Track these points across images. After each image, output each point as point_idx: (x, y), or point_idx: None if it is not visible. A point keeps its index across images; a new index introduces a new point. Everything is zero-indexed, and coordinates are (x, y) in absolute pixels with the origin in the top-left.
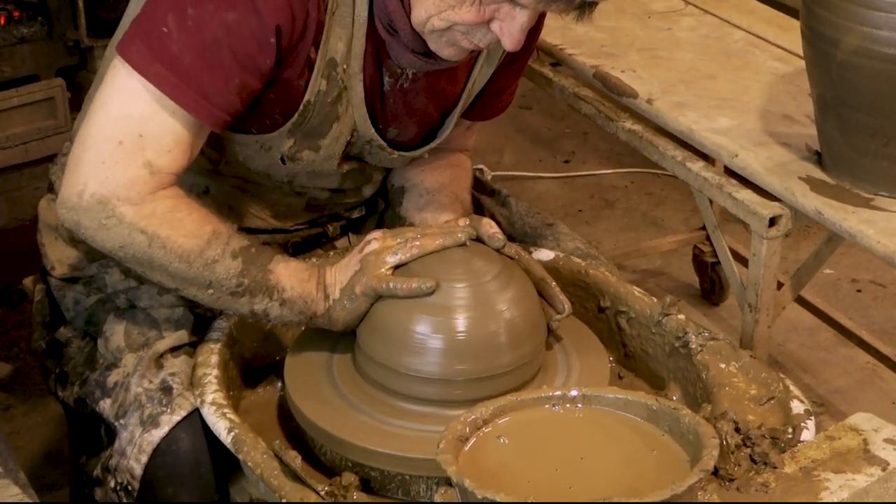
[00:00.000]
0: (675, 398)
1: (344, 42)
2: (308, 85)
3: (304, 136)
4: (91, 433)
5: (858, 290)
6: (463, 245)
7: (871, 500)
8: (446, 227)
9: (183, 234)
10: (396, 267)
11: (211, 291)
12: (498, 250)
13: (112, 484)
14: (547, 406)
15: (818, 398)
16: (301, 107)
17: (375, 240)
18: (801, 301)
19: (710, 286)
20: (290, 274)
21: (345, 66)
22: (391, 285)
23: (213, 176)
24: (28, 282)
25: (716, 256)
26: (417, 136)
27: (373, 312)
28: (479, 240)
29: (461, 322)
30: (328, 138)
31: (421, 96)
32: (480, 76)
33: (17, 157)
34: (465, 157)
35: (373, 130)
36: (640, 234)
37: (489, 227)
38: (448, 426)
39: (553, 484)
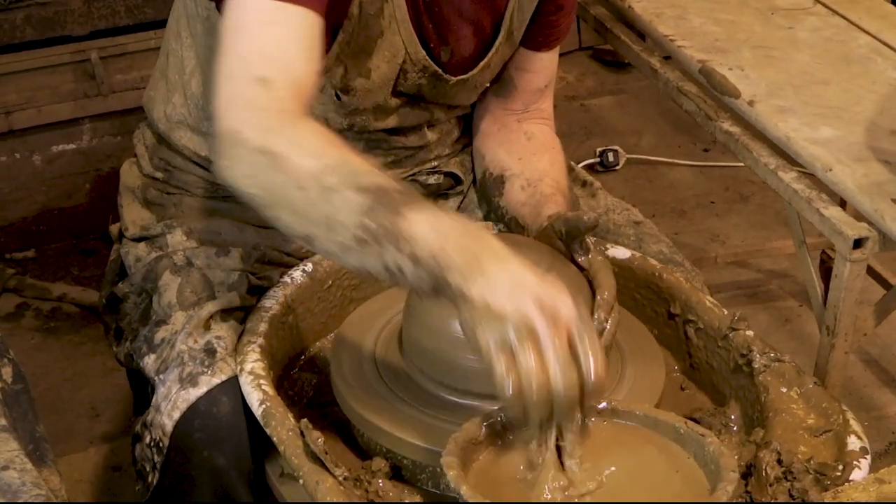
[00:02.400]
0: (733, 417)
1: None
2: None
3: (353, 58)
4: (142, 390)
5: None
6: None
7: None
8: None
9: (302, 154)
10: None
11: (335, 235)
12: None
13: (147, 440)
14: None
15: None
16: (345, 21)
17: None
18: None
19: None
20: (429, 222)
21: None
22: None
23: None
24: (114, 228)
25: None
26: (475, 52)
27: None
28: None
29: None
30: (375, 57)
31: (468, 2)
32: None
33: None
34: (553, 134)
35: (423, 52)
36: (770, 233)
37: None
38: (462, 427)
39: (569, 498)
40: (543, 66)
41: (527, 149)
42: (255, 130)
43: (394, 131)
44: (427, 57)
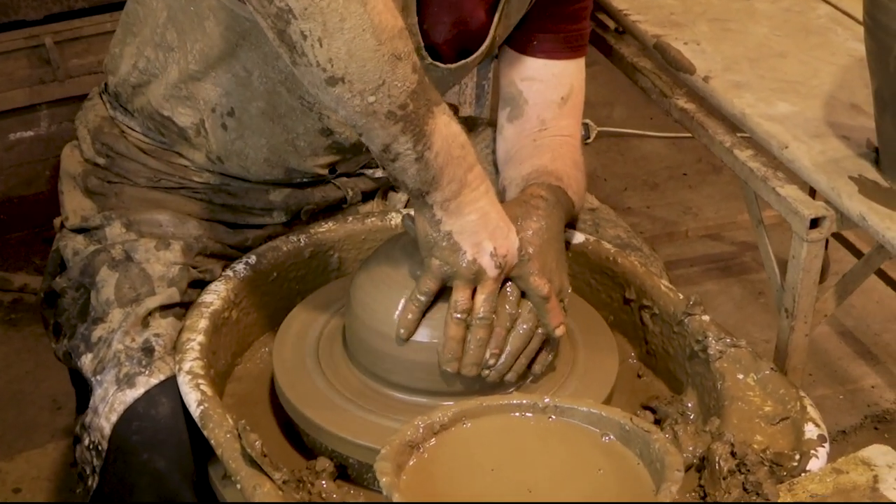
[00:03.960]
0: (690, 405)
1: None
2: None
3: None
4: (84, 387)
5: None
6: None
7: None
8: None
9: (382, 2)
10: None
11: (373, 99)
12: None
13: (86, 442)
14: (514, 414)
15: None
16: None
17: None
18: None
19: None
20: (447, 136)
21: None
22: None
23: (242, 92)
24: (57, 221)
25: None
26: (454, 38)
27: (364, 296)
28: None
29: None
30: None
31: None
32: None
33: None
34: (574, 150)
35: (415, 19)
36: (744, 205)
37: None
38: (399, 429)
39: (507, 499)
40: (553, 76)
41: (530, 154)
42: None
43: None
44: (416, 26)
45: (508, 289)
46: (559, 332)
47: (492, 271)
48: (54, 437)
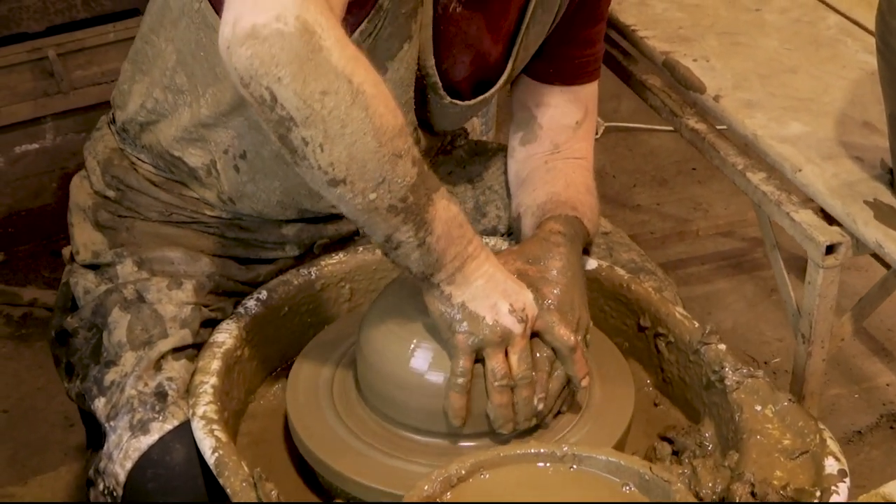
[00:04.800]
0: (707, 435)
1: None
2: None
3: (371, 54)
4: (94, 425)
5: None
6: None
7: None
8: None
9: (384, 104)
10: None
11: (374, 196)
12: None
13: (101, 487)
14: (533, 463)
15: None
16: (373, 10)
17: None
18: None
19: None
20: (446, 220)
21: None
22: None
23: (255, 136)
24: (66, 251)
25: None
26: (472, 74)
27: (375, 342)
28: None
29: None
30: (396, 61)
31: (473, 23)
32: (539, 11)
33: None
34: (586, 172)
35: (432, 61)
36: None
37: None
38: (416, 485)
39: None
40: (567, 101)
41: (543, 179)
42: (339, 48)
43: None
44: (433, 66)
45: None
46: (584, 383)
47: (517, 328)
48: (67, 456)
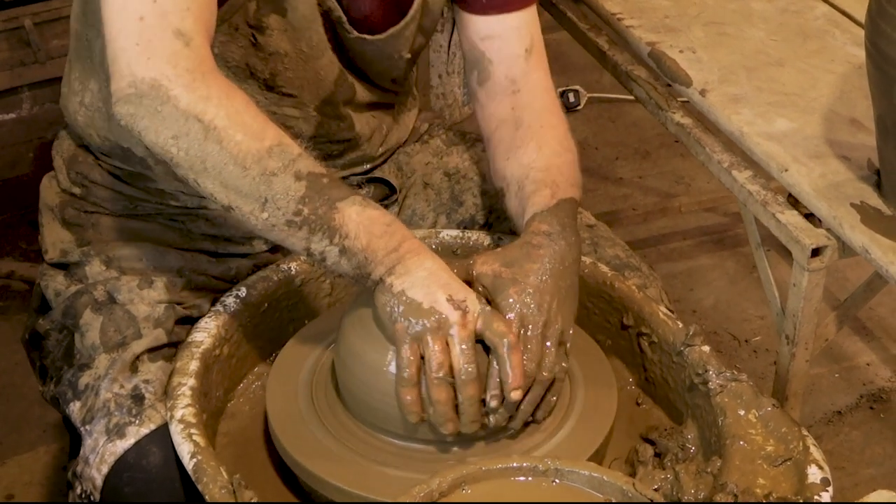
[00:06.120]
0: (690, 437)
1: None
2: None
3: None
4: (74, 430)
5: None
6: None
7: None
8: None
9: (242, 132)
10: None
11: (266, 215)
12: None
13: (78, 490)
14: (515, 478)
15: None
16: None
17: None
18: None
19: None
20: (361, 222)
21: None
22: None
23: None
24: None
25: None
26: (383, 8)
27: (350, 340)
28: None
29: None
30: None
31: None
32: None
33: None
34: (550, 104)
35: None
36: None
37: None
38: (396, 501)
39: None
40: (509, 29)
41: (514, 143)
42: (187, 93)
43: (325, 110)
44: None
45: None
46: (514, 396)
47: (453, 315)
48: (45, 434)
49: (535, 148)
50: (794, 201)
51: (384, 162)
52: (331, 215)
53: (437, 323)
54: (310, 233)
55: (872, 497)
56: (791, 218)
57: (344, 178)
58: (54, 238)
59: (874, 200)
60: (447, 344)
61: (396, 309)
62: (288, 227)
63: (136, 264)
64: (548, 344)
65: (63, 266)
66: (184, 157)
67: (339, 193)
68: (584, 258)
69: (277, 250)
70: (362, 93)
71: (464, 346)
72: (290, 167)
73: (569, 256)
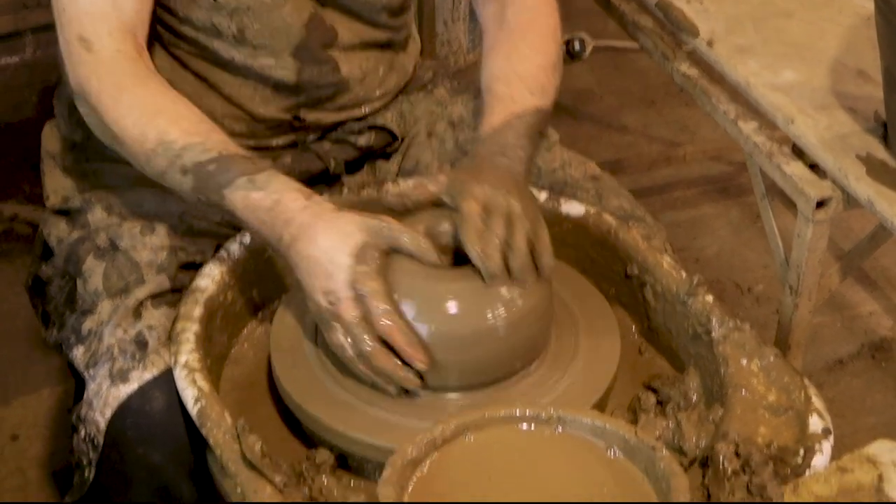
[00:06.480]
0: (692, 386)
1: None
2: None
3: None
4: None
5: None
6: None
7: None
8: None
9: (129, 137)
10: None
11: (185, 196)
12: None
13: (82, 434)
14: (517, 426)
15: None
16: None
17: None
18: None
19: None
20: (246, 208)
21: None
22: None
23: (173, 68)
24: None
25: None
26: None
27: None
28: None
29: (452, 306)
30: None
31: None
32: None
33: None
34: (530, 13)
35: None
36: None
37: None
38: (399, 449)
39: None
40: None
41: (492, 46)
42: (92, 99)
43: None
44: None
45: None
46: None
47: (329, 310)
48: (49, 376)
49: (506, 54)
50: (799, 152)
51: (385, 107)
52: (222, 203)
53: (329, 316)
54: (220, 211)
55: (873, 447)
56: (796, 169)
57: (342, 123)
58: (56, 185)
59: (880, 152)
60: (352, 322)
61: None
62: (205, 206)
63: (137, 210)
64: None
65: (65, 213)
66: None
67: (224, 179)
68: (588, 207)
69: None
70: (347, 33)
71: (352, 330)
72: (175, 163)
73: (514, 170)
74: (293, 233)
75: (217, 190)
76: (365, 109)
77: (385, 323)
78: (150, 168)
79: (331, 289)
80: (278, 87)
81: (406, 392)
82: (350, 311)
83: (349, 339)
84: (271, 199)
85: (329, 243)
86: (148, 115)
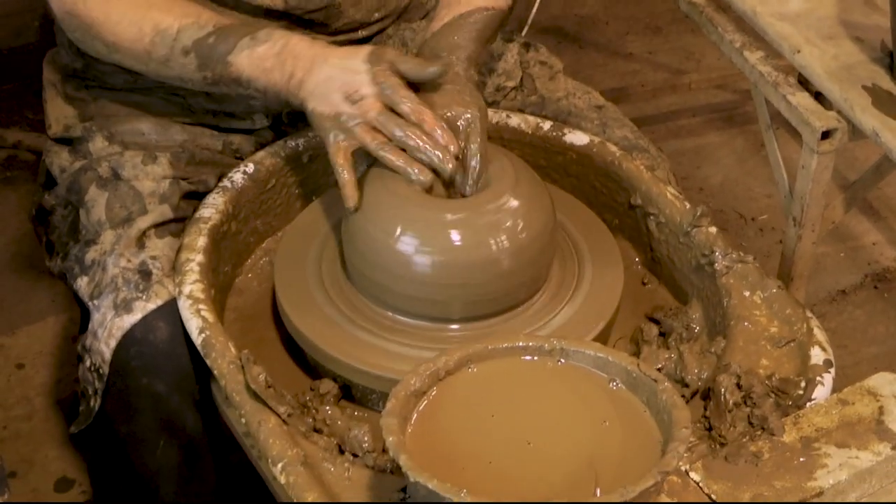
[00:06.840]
0: (695, 317)
1: None
2: None
3: None
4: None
5: None
6: None
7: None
8: None
9: (127, 39)
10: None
11: (189, 84)
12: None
13: (87, 363)
14: (520, 357)
15: None
16: None
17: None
18: None
19: None
20: (252, 64)
21: None
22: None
23: None
24: None
25: None
26: None
27: (356, 219)
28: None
29: (454, 235)
30: None
31: None
32: None
33: None
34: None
35: None
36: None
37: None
38: (402, 380)
39: (511, 446)
40: None
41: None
42: (79, 15)
43: None
44: None
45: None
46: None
47: (351, 108)
48: (55, 304)
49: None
50: (804, 82)
51: (383, 31)
52: (228, 71)
53: (347, 121)
54: (227, 86)
55: (874, 379)
56: (802, 100)
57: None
58: (57, 113)
59: (886, 83)
60: (372, 127)
61: (317, 128)
62: (212, 85)
63: (139, 139)
64: None
65: (67, 141)
66: (95, 53)
67: (226, 47)
68: (592, 137)
69: (278, 126)
70: None
71: (381, 118)
72: (175, 47)
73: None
74: (305, 66)
75: (221, 59)
76: (362, 33)
77: (414, 106)
78: (154, 63)
79: (353, 89)
80: (269, 14)
81: (429, 190)
82: (376, 104)
83: (374, 136)
84: (278, 45)
85: (341, 59)
86: (141, 11)
